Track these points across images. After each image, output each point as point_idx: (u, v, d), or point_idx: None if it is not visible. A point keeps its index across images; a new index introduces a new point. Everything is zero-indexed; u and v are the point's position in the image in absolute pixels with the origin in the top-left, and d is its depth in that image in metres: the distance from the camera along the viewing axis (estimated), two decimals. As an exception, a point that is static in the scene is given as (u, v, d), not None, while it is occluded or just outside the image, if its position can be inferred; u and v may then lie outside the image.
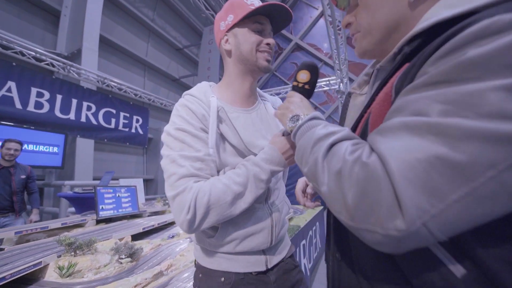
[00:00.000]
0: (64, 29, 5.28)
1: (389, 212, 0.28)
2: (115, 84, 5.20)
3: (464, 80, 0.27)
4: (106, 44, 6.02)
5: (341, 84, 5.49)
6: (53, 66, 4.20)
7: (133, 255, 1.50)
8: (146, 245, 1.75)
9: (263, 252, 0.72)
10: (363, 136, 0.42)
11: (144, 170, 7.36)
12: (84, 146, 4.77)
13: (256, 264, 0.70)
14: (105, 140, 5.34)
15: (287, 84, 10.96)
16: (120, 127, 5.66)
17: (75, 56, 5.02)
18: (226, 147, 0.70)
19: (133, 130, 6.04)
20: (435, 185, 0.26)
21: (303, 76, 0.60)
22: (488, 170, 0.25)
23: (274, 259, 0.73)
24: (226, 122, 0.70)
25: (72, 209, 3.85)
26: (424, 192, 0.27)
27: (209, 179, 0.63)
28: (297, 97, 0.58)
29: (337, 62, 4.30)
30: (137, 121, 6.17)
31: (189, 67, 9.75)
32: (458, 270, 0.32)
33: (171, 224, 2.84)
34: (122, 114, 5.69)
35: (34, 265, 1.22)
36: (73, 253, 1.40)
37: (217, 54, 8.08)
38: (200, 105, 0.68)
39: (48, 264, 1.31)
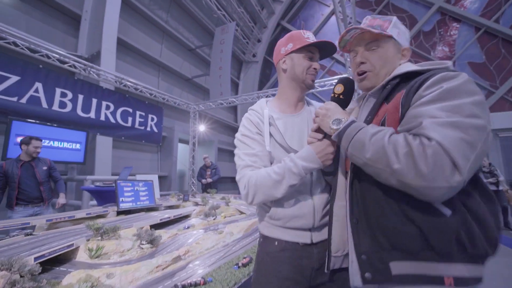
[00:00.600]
0: (84, 32, 5.55)
1: (451, 172, 0.49)
2: (131, 84, 5.42)
3: (449, 99, 0.55)
4: (122, 46, 6.26)
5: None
6: (75, 67, 4.44)
7: (153, 241, 1.62)
8: (164, 234, 1.87)
9: (309, 230, 0.91)
10: None
11: (158, 167, 7.60)
12: (103, 143, 5.02)
13: (303, 237, 0.90)
14: (123, 138, 5.58)
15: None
16: (136, 126, 5.89)
17: (94, 57, 5.27)
18: (275, 144, 0.93)
19: (148, 129, 6.27)
20: (465, 153, 0.50)
21: (338, 88, 0.79)
22: (478, 143, 0.51)
23: (319, 237, 0.91)
24: (274, 125, 0.94)
25: (93, 202, 4.08)
26: (463, 158, 0.49)
27: (261, 168, 0.88)
28: (333, 105, 0.77)
29: (348, 59, 4.29)
30: (152, 119, 6.39)
31: (201, 67, 9.94)
32: (447, 211, 0.56)
33: (186, 217, 2.97)
34: (138, 113, 5.91)
35: (68, 246, 1.36)
36: (100, 237, 1.53)
37: (229, 54, 8.19)
38: (257, 116, 0.97)
39: (79, 247, 1.45)
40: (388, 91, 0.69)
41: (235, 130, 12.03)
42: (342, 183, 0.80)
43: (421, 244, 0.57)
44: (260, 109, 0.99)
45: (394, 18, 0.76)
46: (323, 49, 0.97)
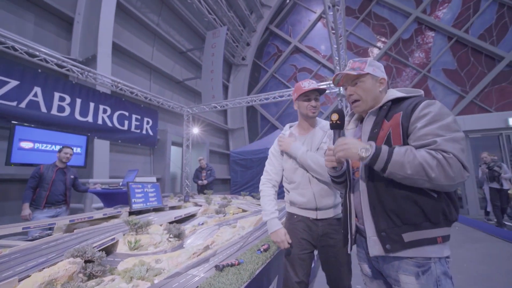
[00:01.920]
0: (77, 35, 5.54)
1: (464, 172, 0.77)
2: (127, 88, 5.48)
3: (439, 120, 0.83)
4: (115, 49, 6.29)
5: (341, 87, 5.83)
6: (73, 71, 4.47)
7: (180, 235, 1.82)
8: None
9: (315, 209, 1.42)
10: (388, 144, 0.91)
11: (151, 169, 7.64)
12: (101, 147, 5.05)
13: (311, 213, 1.43)
14: (119, 141, 5.63)
15: (287, 85, 11.30)
16: (133, 129, 5.95)
17: (89, 61, 5.29)
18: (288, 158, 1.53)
19: (144, 132, 6.33)
20: (464, 157, 0.78)
21: (335, 116, 1.03)
22: (465, 148, 0.80)
23: (323, 215, 1.42)
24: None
25: (96, 204, 4.14)
26: (465, 161, 0.77)
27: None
28: (350, 139, 0.95)
29: (338, 67, 4.65)
30: (148, 122, 6.46)
31: (192, 70, 10.05)
32: (434, 194, 0.85)
33: (193, 216, 3.17)
34: (134, 116, 5.97)
35: (111, 240, 1.54)
36: (134, 232, 1.72)
37: (220, 58, 8.38)
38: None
39: (118, 240, 1.63)
40: (386, 111, 0.96)
41: (225, 132, 12.24)
42: (358, 186, 1.04)
43: (422, 218, 0.84)
44: (285, 131, 1.63)
45: (369, 59, 1.04)
46: (317, 90, 1.45)
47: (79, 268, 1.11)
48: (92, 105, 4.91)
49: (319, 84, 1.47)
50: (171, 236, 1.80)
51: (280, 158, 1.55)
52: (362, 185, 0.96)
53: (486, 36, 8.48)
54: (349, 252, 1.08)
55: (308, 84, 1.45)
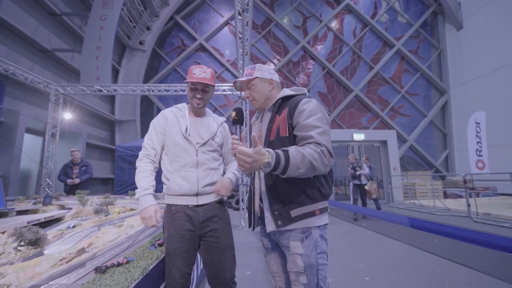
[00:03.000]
0: None
1: (330, 159, 0.97)
2: None
3: (315, 114, 1.04)
4: None
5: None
6: None
7: (38, 241, 1.37)
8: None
9: (196, 194, 1.35)
10: (278, 135, 1.08)
11: (-15, 163, 5.40)
12: None
13: (190, 200, 1.34)
14: None
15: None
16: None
17: None
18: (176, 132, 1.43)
19: (-26, 108, 4.38)
20: (331, 147, 0.99)
21: (233, 114, 1.12)
22: (330, 140, 1.02)
23: (204, 200, 1.36)
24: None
25: None
26: (331, 151, 0.98)
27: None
28: (254, 152, 0.88)
29: (241, 71, 4.95)
30: (-17, 96, 4.53)
31: (68, 40, 7.96)
32: (311, 177, 1.04)
33: (58, 220, 2.48)
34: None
35: None
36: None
37: (112, 34, 7.10)
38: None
39: None
40: (277, 107, 1.15)
41: (111, 123, 10.36)
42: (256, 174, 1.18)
43: (304, 197, 1.03)
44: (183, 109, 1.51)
45: (258, 65, 1.23)
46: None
47: None
48: None
49: (209, 77, 1.40)
50: (22, 243, 1.33)
51: (162, 133, 1.40)
52: (262, 174, 1.11)
53: (344, 72, 11.41)
54: (252, 231, 1.18)
55: (200, 72, 1.37)
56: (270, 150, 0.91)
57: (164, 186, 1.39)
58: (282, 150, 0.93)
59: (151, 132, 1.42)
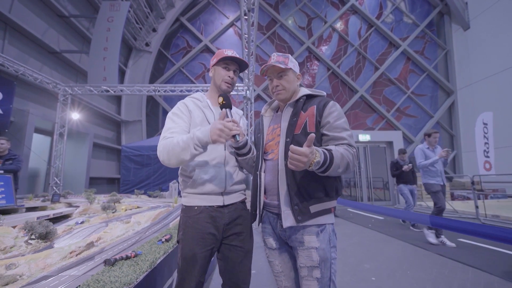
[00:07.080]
0: None
1: (357, 161, 1.02)
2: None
3: (342, 117, 1.10)
4: None
5: (248, 91, 6.30)
6: None
7: (48, 234, 1.40)
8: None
9: (222, 193, 1.19)
10: (304, 130, 1.08)
11: (-5, 162, 5.50)
12: None
13: (215, 200, 1.18)
14: None
15: (193, 82, 11.02)
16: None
17: None
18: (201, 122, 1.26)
19: (-14, 107, 4.50)
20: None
21: (220, 99, 1.12)
22: (351, 136, 1.08)
23: (230, 200, 1.22)
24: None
25: None
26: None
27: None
28: (309, 151, 0.88)
29: (246, 72, 4.97)
30: (-5, 95, 4.64)
31: (76, 42, 8.10)
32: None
33: (66, 217, 2.52)
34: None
35: None
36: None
37: (119, 36, 7.21)
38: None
39: None
40: (302, 104, 1.15)
41: (117, 124, 10.48)
42: (274, 166, 1.14)
43: (323, 193, 1.05)
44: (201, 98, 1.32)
45: (290, 56, 1.21)
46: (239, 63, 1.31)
47: None
48: None
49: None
50: (33, 236, 1.35)
51: (188, 118, 1.20)
52: (281, 167, 1.08)
53: (349, 73, 11.35)
54: (256, 226, 1.17)
55: (232, 53, 1.27)
56: (318, 149, 0.92)
57: (183, 184, 1.22)
58: (326, 149, 0.95)
59: (174, 119, 1.19)
